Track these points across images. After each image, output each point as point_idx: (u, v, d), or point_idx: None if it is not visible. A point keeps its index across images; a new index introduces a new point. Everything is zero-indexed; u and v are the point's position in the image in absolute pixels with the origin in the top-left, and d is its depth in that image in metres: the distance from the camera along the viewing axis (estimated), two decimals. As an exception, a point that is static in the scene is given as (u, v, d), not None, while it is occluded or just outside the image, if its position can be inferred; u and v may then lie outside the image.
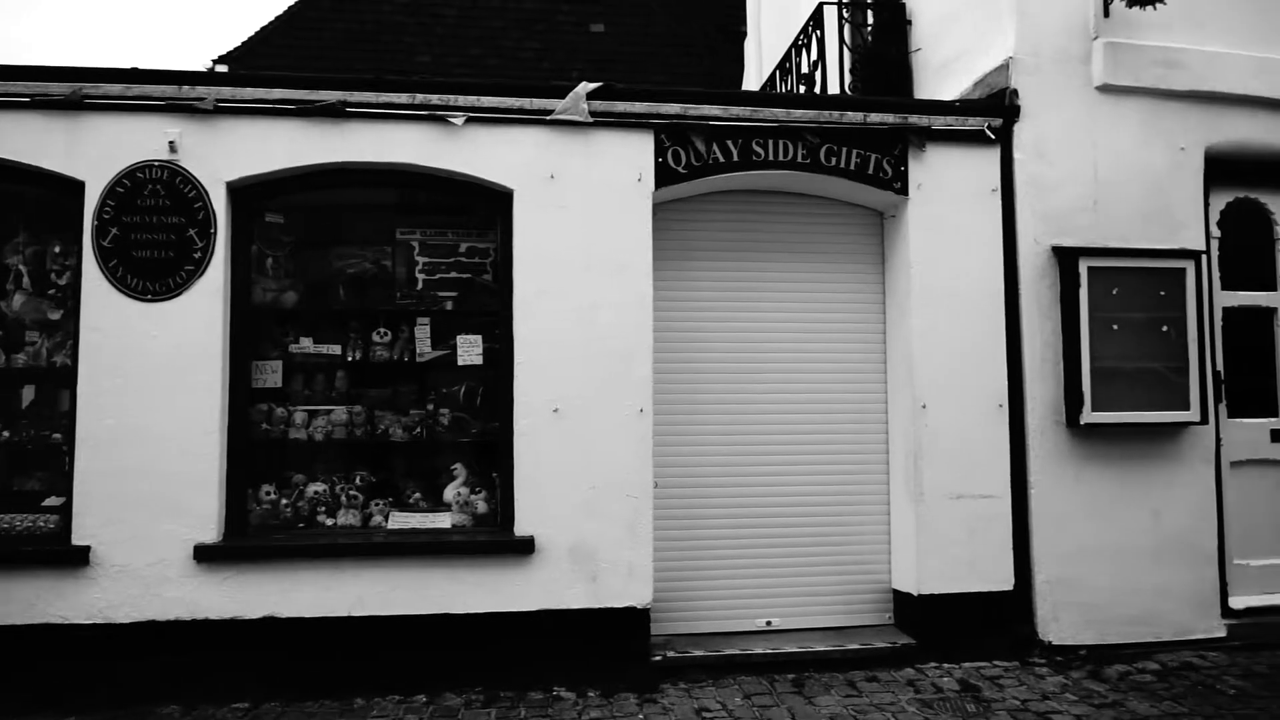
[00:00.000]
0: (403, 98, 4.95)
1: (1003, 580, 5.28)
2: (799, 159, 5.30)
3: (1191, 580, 5.46)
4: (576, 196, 5.01)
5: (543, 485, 4.82)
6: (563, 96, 5.07)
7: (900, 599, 5.41)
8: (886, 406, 5.60)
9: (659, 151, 5.13)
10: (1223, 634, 5.47)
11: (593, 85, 5.06)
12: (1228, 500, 5.66)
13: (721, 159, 5.22)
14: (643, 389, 4.97)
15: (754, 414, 5.47)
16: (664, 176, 5.14)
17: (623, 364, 4.95)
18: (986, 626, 5.23)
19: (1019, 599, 5.29)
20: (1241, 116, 5.76)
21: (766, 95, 5.48)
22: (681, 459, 5.32)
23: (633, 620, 4.88)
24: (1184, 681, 4.91)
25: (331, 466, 5.08)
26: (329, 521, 4.94)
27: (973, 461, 5.31)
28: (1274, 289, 5.96)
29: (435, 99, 4.96)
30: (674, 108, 5.17)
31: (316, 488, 4.96)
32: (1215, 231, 5.85)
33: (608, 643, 4.82)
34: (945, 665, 5.10)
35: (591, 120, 5.05)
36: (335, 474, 5.05)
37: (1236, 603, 5.62)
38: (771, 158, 5.28)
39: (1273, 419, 5.88)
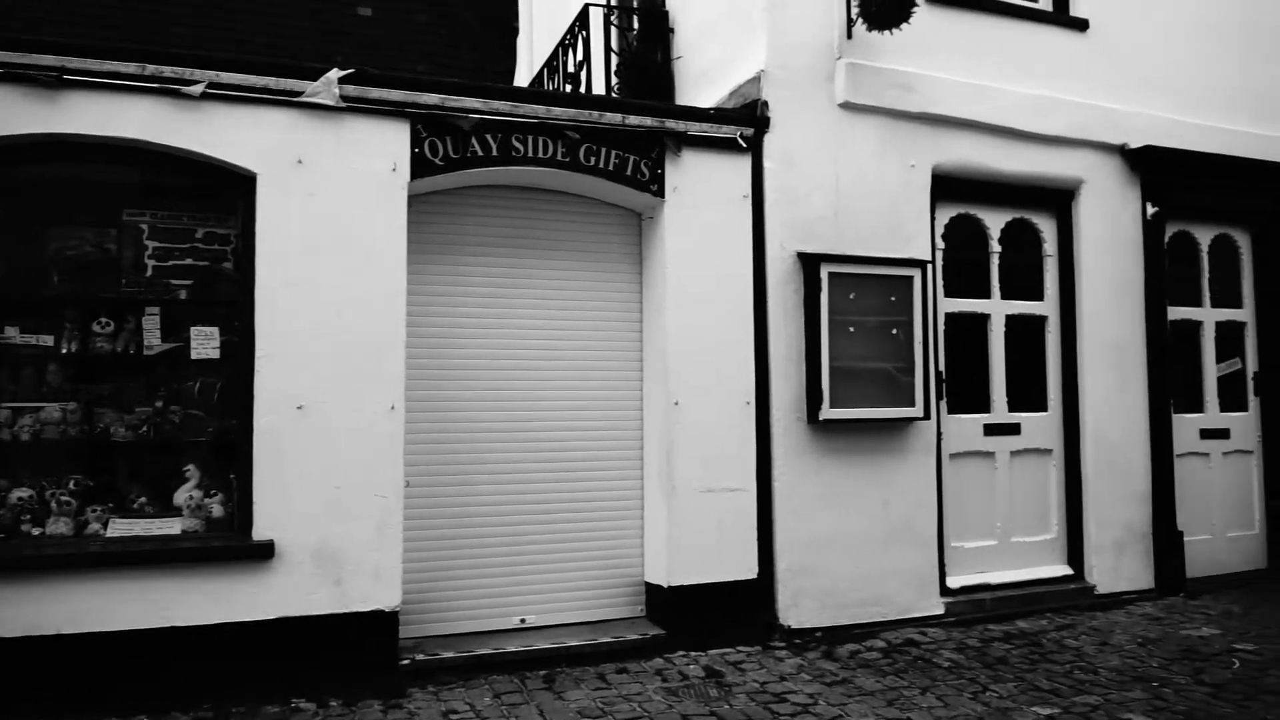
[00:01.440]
0: (131, 68, 4.66)
1: (748, 569, 5.67)
2: (559, 157, 5.44)
3: (916, 563, 6.08)
4: (327, 184, 4.91)
5: (285, 486, 4.70)
6: (314, 78, 4.95)
7: (652, 591, 5.68)
8: (642, 404, 5.84)
9: (415, 142, 5.12)
10: (941, 611, 6.13)
11: (345, 70, 4.97)
12: (947, 489, 6.35)
13: (481, 153, 5.28)
14: (395, 385, 4.95)
15: (513, 411, 5.57)
16: (421, 167, 5.14)
17: (374, 359, 4.91)
18: (732, 614, 5.60)
19: (763, 587, 5.70)
20: (964, 139, 6.47)
21: (527, 91, 5.59)
22: (436, 457, 5.34)
23: (381, 624, 4.85)
24: (906, 657, 5.47)
25: (41, 470, 4.71)
26: (35, 531, 4.58)
27: (722, 456, 5.66)
28: (989, 297, 6.71)
29: (169, 71, 4.70)
30: (433, 98, 5.18)
31: (21, 494, 4.59)
32: (940, 243, 6.53)
33: (354, 649, 4.77)
34: (693, 654, 5.41)
35: (344, 105, 4.97)
36: (45, 478, 4.69)
37: (953, 582, 6.31)
38: (532, 154, 5.39)
39: (986, 415, 6.64)
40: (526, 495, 5.54)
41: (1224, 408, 7.61)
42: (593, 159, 5.51)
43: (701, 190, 5.74)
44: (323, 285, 4.86)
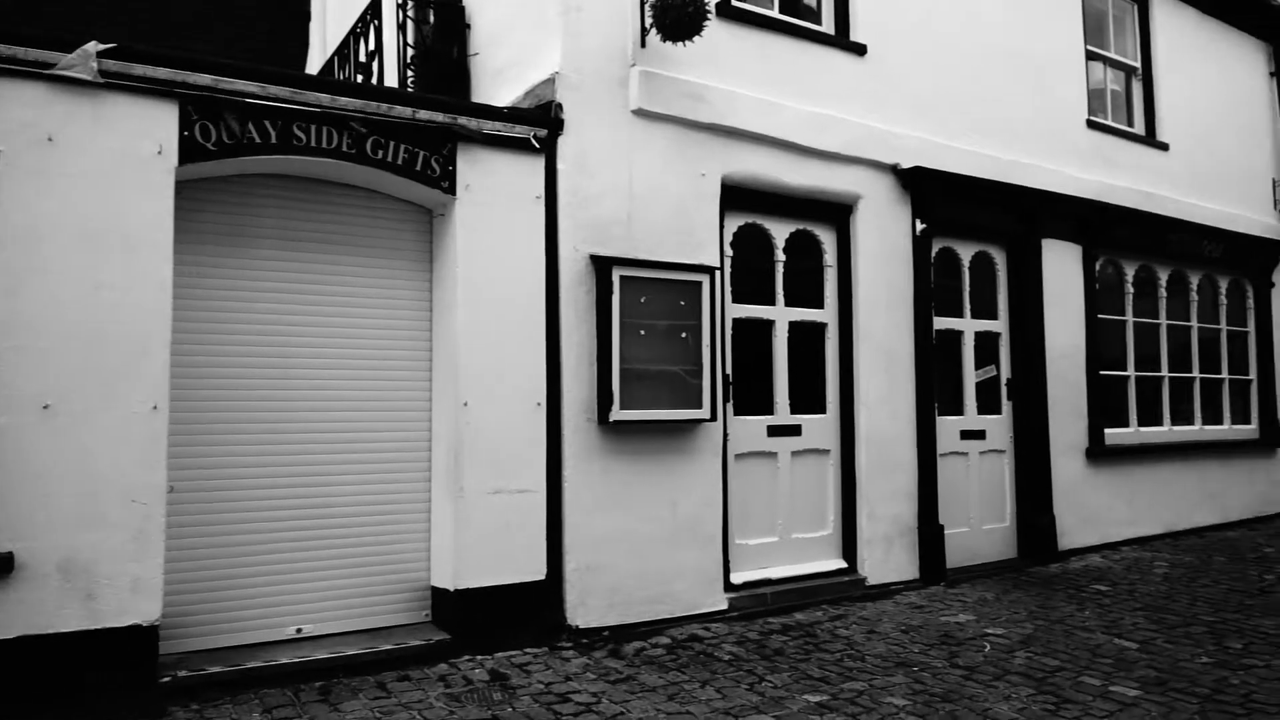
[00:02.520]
0: None
1: (536, 570, 5.72)
2: (345, 148, 5.31)
3: (701, 560, 6.31)
4: (81, 164, 4.58)
5: (27, 493, 4.34)
6: (70, 50, 4.61)
7: (438, 595, 5.63)
8: (431, 404, 5.78)
9: (185, 124, 4.86)
10: (725, 606, 6.40)
11: (105, 45, 4.65)
12: (732, 488, 6.63)
13: (259, 140, 5.08)
14: (157, 383, 4.67)
15: (292, 411, 5.38)
16: (191, 152, 4.88)
17: (134, 355, 4.61)
18: (520, 616, 5.63)
19: (551, 587, 5.76)
20: (752, 151, 6.79)
21: (310, 78, 5.41)
22: (206, 459, 5.09)
23: (139, 640, 4.57)
24: (689, 652, 5.67)
25: None
26: None
27: (512, 457, 5.68)
28: (774, 304, 7.07)
29: (-105, 33, 4.26)
30: (205, 79, 4.93)
31: None
32: (729, 251, 6.82)
33: (109, 668, 4.46)
34: (479, 657, 5.40)
35: (103, 81, 4.65)
36: None
37: (737, 578, 6.59)
38: (315, 144, 5.23)
39: (770, 416, 6.98)
40: (305, 499, 5.36)
41: (981, 411, 8.33)
42: (381, 152, 5.40)
43: (494, 189, 5.75)
44: (75, 273, 4.52)
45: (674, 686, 5.02)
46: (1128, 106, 10.21)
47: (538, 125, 5.90)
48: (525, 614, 5.63)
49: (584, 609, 5.81)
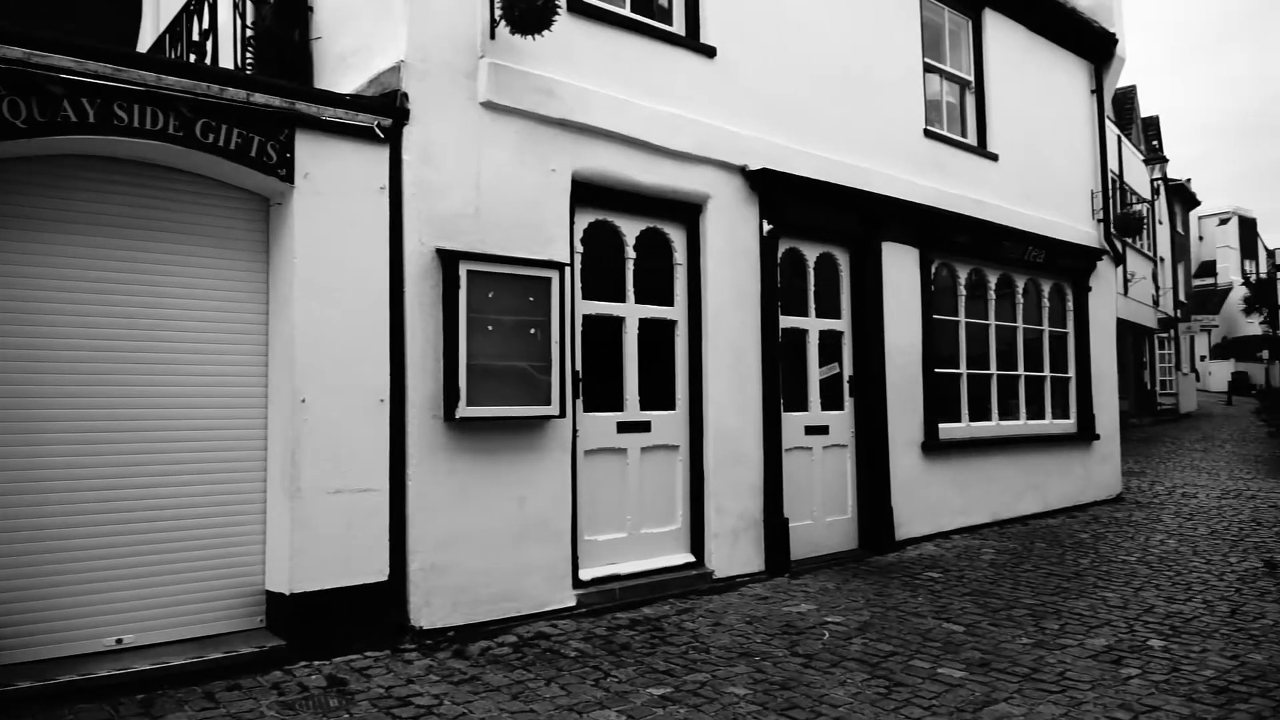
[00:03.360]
0: None
1: (378, 571, 5.58)
2: (172, 130, 5.04)
3: (550, 557, 6.30)
4: None
5: None
6: None
7: (274, 600, 5.42)
8: (267, 401, 5.56)
9: (-9, 99, 4.51)
10: (574, 603, 6.40)
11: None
12: (581, 484, 6.64)
13: (75, 118, 4.76)
14: (-45, 378, 4.32)
15: (112, 409, 5.07)
16: (1, 129, 4.53)
17: (-73, 348, 4.25)
18: (361, 619, 5.48)
19: (394, 589, 5.63)
20: (603, 148, 6.81)
21: (134, 55, 5.09)
22: (13, 460, 4.74)
23: (-68, 656, 4.21)
24: (536, 649, 5.65)
25: None
26: None
27: (353, 455, 5.53)
28: (624, 301, 7.12)
29: None
30: (16, 52, 4.59)
31: None
32: (579, 247, 6.82)
33: (-105, 687, 4.10)
34: (316, 663, 5.23)
35: (-107, 48, 4.26)
36: None
37: (585, 574, 6.61)
38: (139, 124, 4.94)
39: (619, 413, 7.03)
40: (126, 502, 5.06)
41: (825, 407, 8.63)
42: (211, 136, 5.16)
43: (335, 178, 5.58)
44: None
45: (519, 685, 4.99)
46: (962, 118, 10.77)
47: (382, 114, 5.76)
48: (367, 617, 5.49)
49: (429, 609, 5.71)
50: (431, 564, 5.73)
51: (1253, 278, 50.14)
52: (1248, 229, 56.49)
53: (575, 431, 6.58)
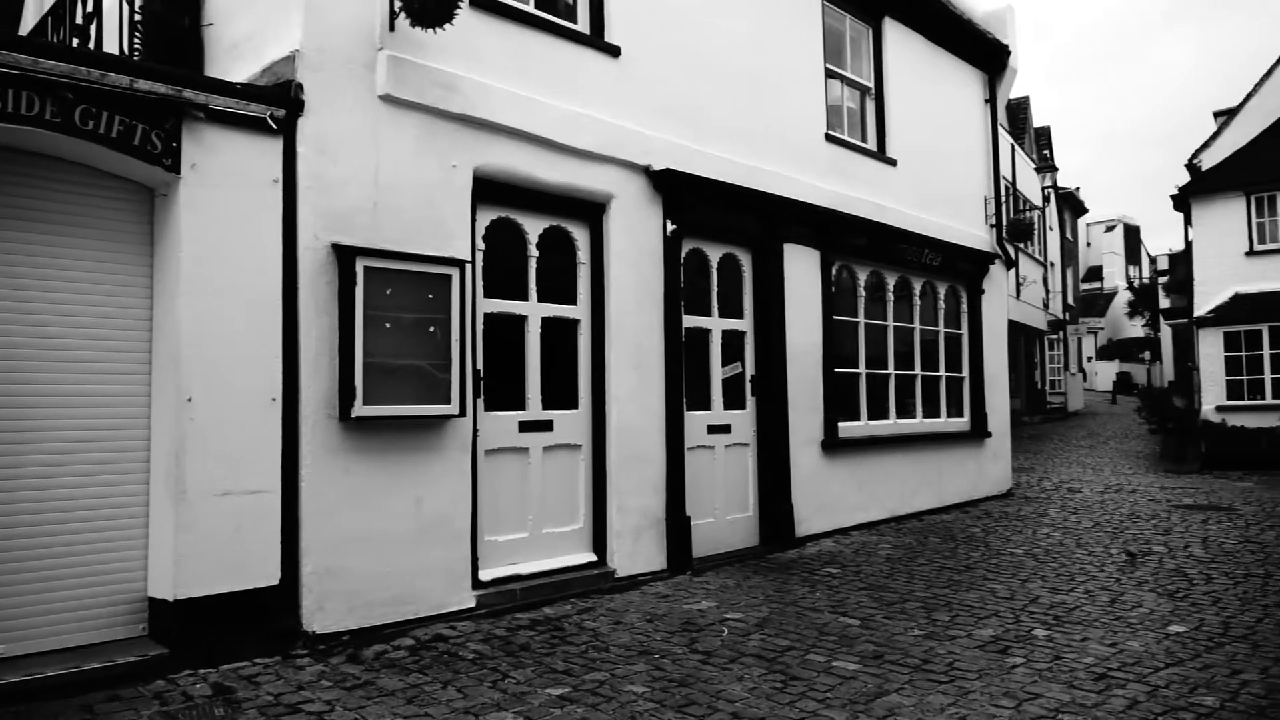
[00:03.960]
0: None
1: (269, 575, 5.42)
2: (49, 116, 4.81)
3: (448, 558, 6.21)
4: None
5: None
6: None
7: (157, 607, 5.22)
8: (151, 400, 5.35)
9: None
10: (473, 604, 6.33)
11: None
12: (482, 485, 6.57)
13: (-60, 101, 4.50)
14: None
15: (-19, 408, 4.80)
16: None
17: None
18: (252, 625, 5.31)
19: (286, 593, 5.48)
20: (506, 145, 6.75)
21: (9, 37, 4.84)
22: None
23: None
24: (432, 652, 5.56)
25: None
26: None
27: (243, 456, 5.36)
28: (527, 299, 7.07)
29: None
30: (-128, 27, 4.30)
31: None
32: (481, 244, 6.75)
33: None
34: (202, 671, 5.05)
35: None
36: None
37: (485, 575, 6.54)
38: (13, 109, 4.70)
39: (521, 412, 6.97)
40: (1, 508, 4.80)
41: (728, 406, 8.72)
42: (92, 123, 4.93)
43: (225, 170, 5.40)
44: None
45: (414, 689, 4.91)
46: (862, 124, 11.01)
47: (275, 104, 5.59)
48: (257, 622, 5.33)
49: (322, 614, 5.58)
50: (325, 567, 5.59)
51: (1136, 283, 52.61)
52: (1132, 236, 59.27)
53: (476, 431, 6.50)
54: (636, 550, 7.43)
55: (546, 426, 7.07)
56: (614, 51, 7.55)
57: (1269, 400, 17.57)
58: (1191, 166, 22.43)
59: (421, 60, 6.21)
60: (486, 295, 6.77)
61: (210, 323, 5.27)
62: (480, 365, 6.62)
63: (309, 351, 5.63)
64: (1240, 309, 18.17)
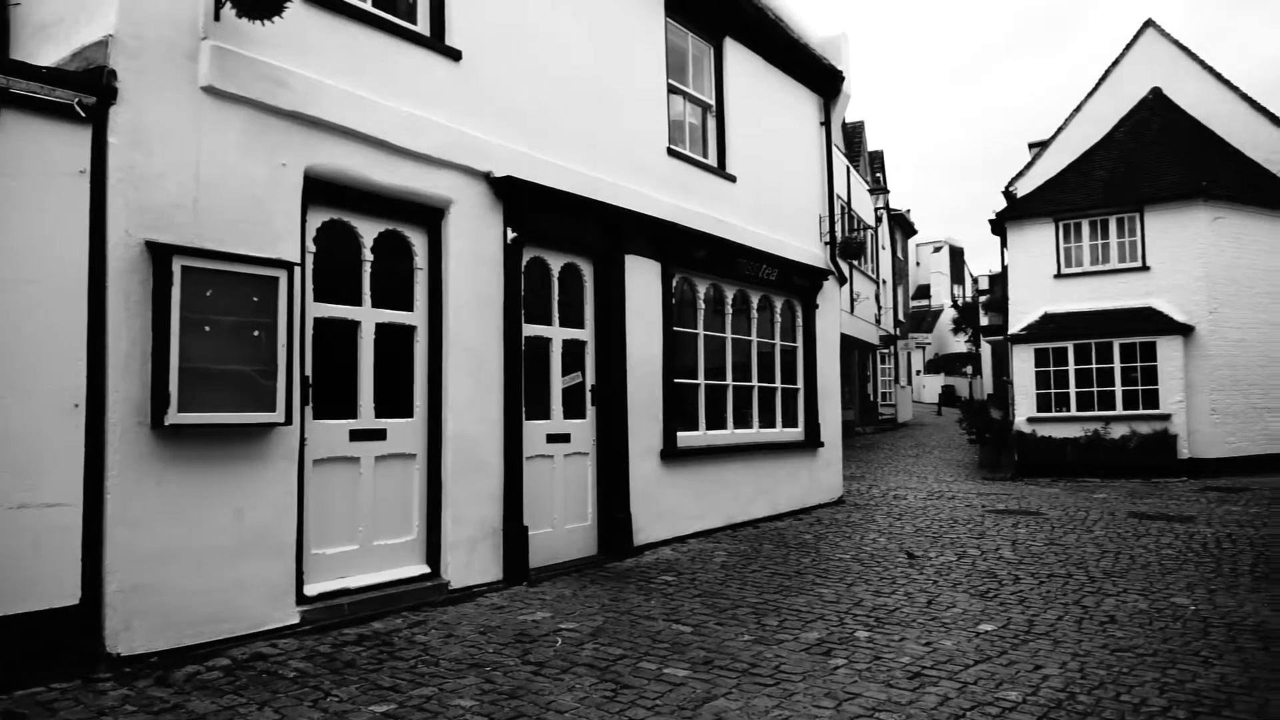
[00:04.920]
0: None
1: (69, 595, 5.06)
2: None
3: (271, 573, 5.95)
4: None
5: None
6: None
7: (-64, 632, 4.78)
8: (-67, 405, 4.90)
9: None
10: (297, 620, 6.09)
11: None
12: (309, 496, 6.34)
13: None
14: None
15: None
16: None
17: None
18: (48, 648, 4.94)
19: (88, 613, 5.12)
20: (340, 144, 6.55)
21: None
22: None
23: None
24: (250, 672, 5.31)
25: None
26: None
27: (42, 466, 4.98)
28: (360, 305, 6.87)
29: None
30: None
31: None
32: (312, 247, 6.52)
33: None
34: (-11, 699, 4.66)
35: None
36: None
37: (311, 589, 6.30)
38: None
39: (353, 421, 6.77)
40: None
41: (567, 415, 8.73)
42: None
43: (25, 158, 5.02)
44: None
45: (228, 711, 4.68)
46: (704, 140, 11.27)
47: (85, 91, 5.25)
48: (54, 645, 4.96)
49: (129, 634, 5.24)
50: (134, 584, 5.26)
51: (960, 301, 55.86)
52: (957, 257, 62.93)
53: (304, 440, 6.27)
54: (472, 561, 7.33)
55: (379, 435, 6.89)
56: (455, 55, 7.47)
57: (1073, 413, 18.95)
58: (1008, 194, 24.02)
59: (249, 53, 5.97)
60: (318, 299, 6.55)
61: (5, 321, 4.88)
62: (309, 372, 6.39)
63: (119, 355, 5.29)
64: (1049, 327, 19.54)
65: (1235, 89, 22.02)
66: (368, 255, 6.92)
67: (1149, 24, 23.12)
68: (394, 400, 7.09)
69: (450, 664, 5.54)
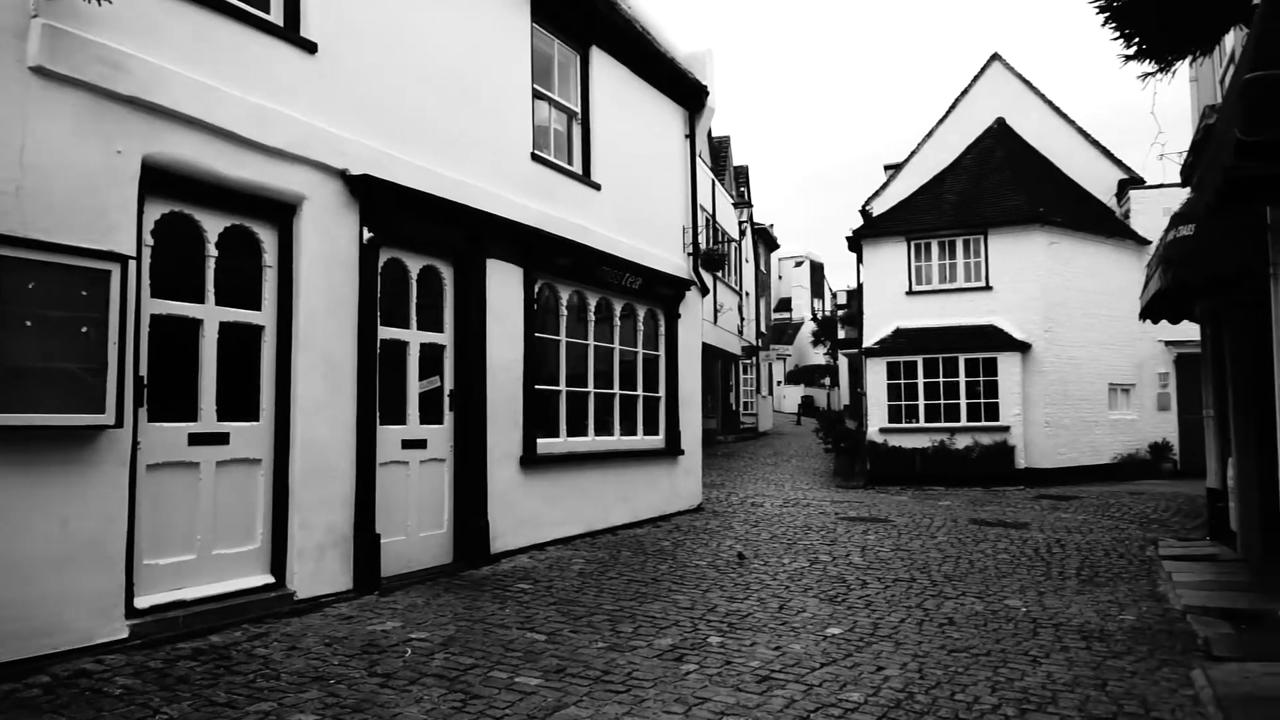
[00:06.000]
0: None
1: None
2: None
3: (98, 585, 5.61)
4: None
5: None
6: None
7: None
8: None
9: None
10: (126, 635, 5.75)
11: None
12: (143, 502, 6.01)
13: None
14: None
15: None
16: None
17: None
18: None
19: (-117, 630, 4.71)
20: (184, 134, 6.26)
21: None
22: None
23: None
24: (72, 690, 4.99)
25: None
26: None
27: None
28: (203, 302, 6.57)
29: None
30: None
31: None
32: (150, 240, 6.20)
33: None
34: None
35: None
36: None
37: (142, 602, 5.97)
38: None
39: (193, 423, 6.46)
40: None
41: (424, 420, 8.57)
42: None
43: None
44: None
45: (45, 731, 4.37)
46: (569, 146, 11.28)
47: (-108, 64, 4.84)
48: None
49: (-69, 653, 4.84)
50: (-63, 599, 4.86)
51: (819, 315, 57.69)
52: (817, 272, 65.02)
53: (136, 443, 5.94)
54: (320, 570, 7.09)
55: (222, 439, 6.60)
56: (310, 47, 7.25)
57: (922, 424, 19.81)
58: (865, 212, 24.97)
59: (85, 34, 5.64)
60: (156, 295, 6.23)
61: None
62: (145, 372, 6.06)
63: (-74, 350, 4.89)
64: (901, 342, 20.39)
65: (1072, 122, 23.56)
66: (212, 251, 6.62)
67: (995, 57, 24.49)
68: (239, 403, 6.80)
69: (292, 677, 5.35)
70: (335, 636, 6.24)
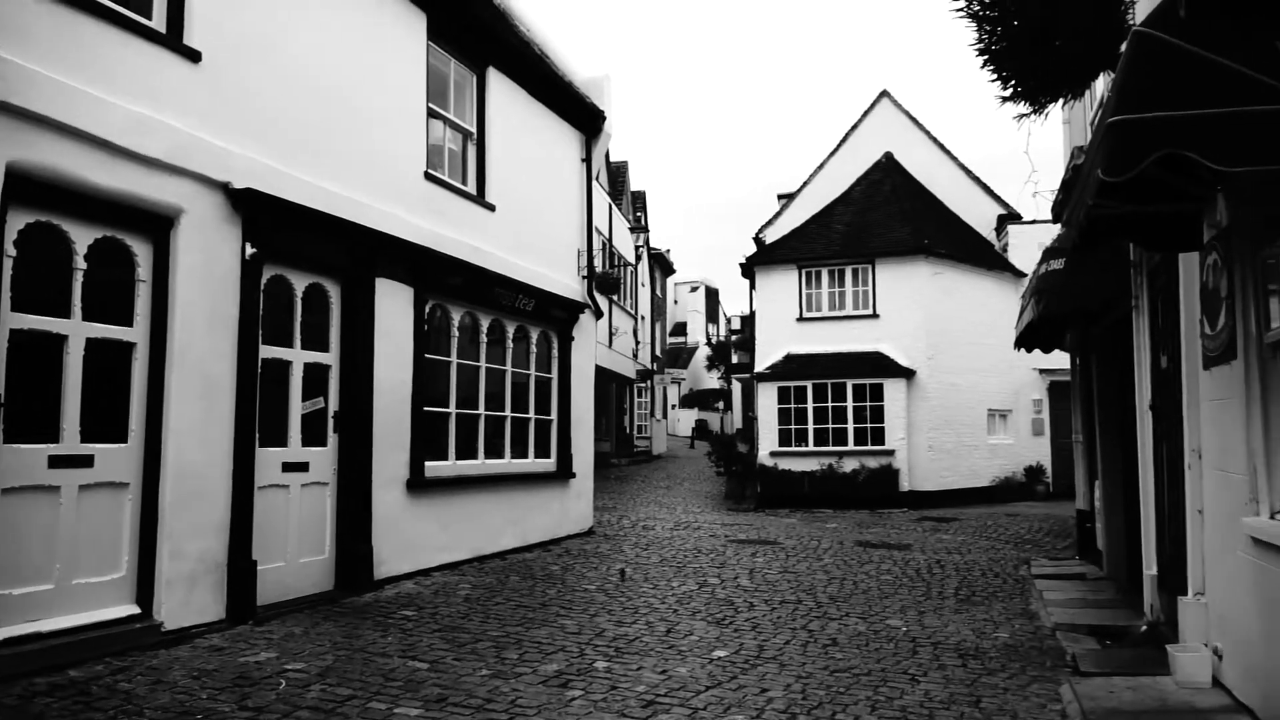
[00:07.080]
0: None
1: None
2: None
3: (-58, 618, 5.24)
4: None
5: None
6: None
7: None
8: None
9: None
10: (-28, 672, 5.39)
11: None
12: (-5, 529, 5.65)
13: None
14: None
15: None
16: None
17: None
18: None
19: None
20: (53, 140, 5.97)
21: None
22: None
23: None
24: (-91, 731, 4.65)
25: None
26: None
27: None
28: (69, 317, 6.25)
29: None
30: None
31: None
32: (11, 250, 5.88)
33: None
34: None
35: None
36: None
37: (-6, 636, 5.61)
38: None
39: (54, 445, 6.12)
40: None
41: (306, 443, 8.32)
42: None
43: None
44: None
45: (-124, 778, 4.05)
46: (463, 167, 11.20)
47: None
48: None
49: None
50: None
51: (714, 339, 58.48)
52: (712, 297, 65.98)
53: (-9, 466, 5.59)
54: (191, 600, 6.80)
55: (86, 462, 6.27)
56: (194, 56, 7.02)
57: (811, 447, 20.22)
58: (758, 240, 25.46)
59: (-58, 31, 5.33)
60: (16, 309, 5.89)
61: None
62: (1, 390, 5.73)
63: None
64: (791, 367, 20.81)
65: (955, 159, 24.56)
66: (80, 263, 6.31)
67: (884, 94, 25.38)
68: (107, 424, 6.48)
69: (156, 713, 5.10)
70: (204, 669, 5.98)
